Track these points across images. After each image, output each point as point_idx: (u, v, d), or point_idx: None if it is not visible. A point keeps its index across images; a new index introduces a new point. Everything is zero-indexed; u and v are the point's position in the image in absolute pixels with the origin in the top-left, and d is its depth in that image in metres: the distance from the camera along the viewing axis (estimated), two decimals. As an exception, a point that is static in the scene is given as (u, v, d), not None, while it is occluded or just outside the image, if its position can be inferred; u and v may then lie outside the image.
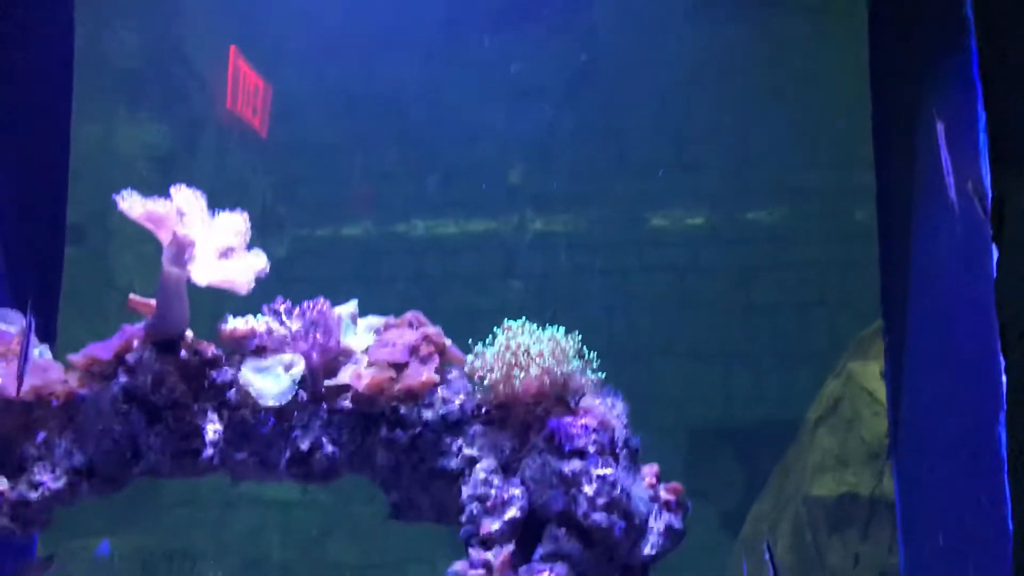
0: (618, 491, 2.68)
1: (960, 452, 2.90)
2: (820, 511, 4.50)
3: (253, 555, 9.10)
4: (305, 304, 2.79)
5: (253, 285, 2.75)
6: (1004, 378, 2.21)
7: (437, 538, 9.12)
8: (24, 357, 2.59)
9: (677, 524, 2.77)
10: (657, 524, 2.76)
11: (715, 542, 7.31)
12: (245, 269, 2.72)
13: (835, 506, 4.52)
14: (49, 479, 2.70)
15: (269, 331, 2.84)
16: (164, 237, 2.72)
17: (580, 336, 2.87)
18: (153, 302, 2.81)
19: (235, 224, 2.76)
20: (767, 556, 2.71)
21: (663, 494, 2.80)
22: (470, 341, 2.89)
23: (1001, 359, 2.21)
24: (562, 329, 2.85)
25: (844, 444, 4.63)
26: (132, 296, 2.85)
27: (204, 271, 2.69)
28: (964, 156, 2.35)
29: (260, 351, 2.81)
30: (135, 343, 2.78)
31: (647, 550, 2.73)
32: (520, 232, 9.52)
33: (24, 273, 3.34)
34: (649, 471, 2.83)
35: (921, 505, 3.25)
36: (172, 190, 2.71)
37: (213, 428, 2.77)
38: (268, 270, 2.78)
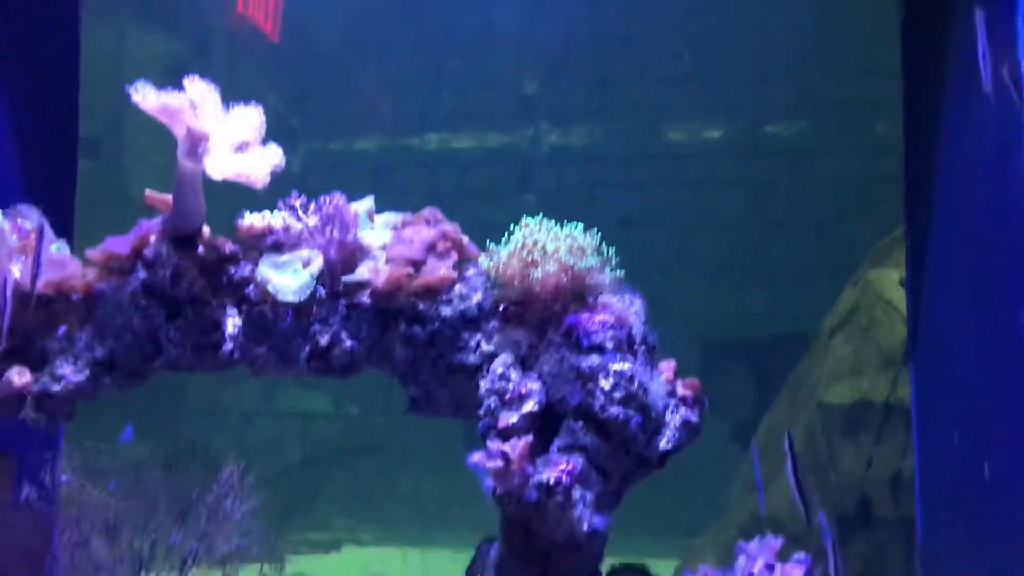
0: (635, 386, 2.69)
1: (980, 352, 2.90)
2: (834, 418, 4.54)
3: (276, 463, 9.29)
4: (321, 199, 2.77)
5: (269, 180, 2.73)
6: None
7: (457, 447, 9.29)
8: (38, 251, 2.59)
9: (694, 419, 2.78)
10: (674, 419, 2.77)
11: (725, 454, 7.39)
12: (261, 163, 2.69)
13: (849, 412, 4.55)
14: (71, 372, 2.73)
15: (286, 227, 2.82)
16: (178, 131, 2.68)
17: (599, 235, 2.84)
18: (169, 197, 2.79)
19: (250, 118, 2.72)
20: (787, 445, 2.72)
21: (680, 390, 2.81)
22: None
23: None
24: (580, 227, 2.83)
25: (859, 352, 4.64)
26: (148, 191, 2.83)
27: (219, 164, 2.66)
28: (1002, 43, 2.28)
29: (277, 247, 2.80)
30: (152, 238, 2.78)
31: (663, 444, 2.76)
32: (535, 145, 9.42)
33: (38, 186, 3.33)
34: (667, 367, 2.84)
35: (937, 406, 3.27)
36: (185, 82, 2.66)
37: (232, 323, 2.78)
38: (283, 165, 2.74)
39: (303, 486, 9.34)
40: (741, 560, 2.69)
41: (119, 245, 2.80)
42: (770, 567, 2.64)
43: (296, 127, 9.73)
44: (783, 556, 2.74)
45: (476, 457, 2.66)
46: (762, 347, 8.97)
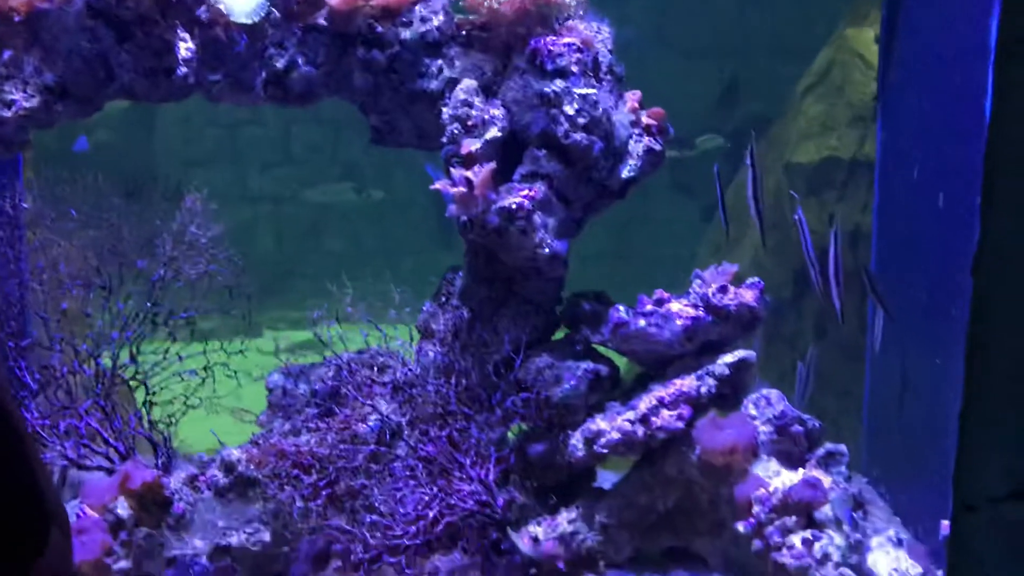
0: (599, 111, 2.66)
1: (942, 98, 2.90)
2: (800, 176, 4.58)
3: (246, 249, 9.37)
4: (272, -89, 2.61)
5: None
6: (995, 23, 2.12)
7: (428, 232, 9.37)
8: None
9: (657, 147, 2.78)
10: (636, 148, 2.77)
11: (696, 233, 7.48)
12: None
13: (815, 171, 4.58)
14: (21, 97, 2.65)
15: (236, -55, 2.67)
16: None
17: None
18: (108, -91, 2.62)
19: None
20: (748, 160, 2.74)
21: (645, 119, 2.79)
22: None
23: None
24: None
25: (831, 110, 4.61)
26: (85, -97, 2.64)
27: None
28: None
29: (227, -36, 2.66)
30: (94, -45, 2.63)
31: (626, 172, 2.77)
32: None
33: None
34: (632, 96, 2.80)
35: (899, 147, 3.29)
36: None
37: (185, 46, 2.68)
38: None
39: (278, 267, 9.46)
40: (696, 284, 2.77)
41: (59, -37, 2.65)
42: (723, 289, 2.72)
43: None
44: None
45: (440, 183, 2.67)
46: (738, 127, 8.88)
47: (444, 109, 2.69)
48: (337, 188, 9.50)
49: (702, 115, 8.73)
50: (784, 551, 2.41)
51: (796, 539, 2.41)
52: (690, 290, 2.78)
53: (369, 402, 2.69)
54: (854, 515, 2.45)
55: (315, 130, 9.66)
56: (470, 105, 2.67)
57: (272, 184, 9.91)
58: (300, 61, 2.70)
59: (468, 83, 2.68)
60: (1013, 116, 2.19)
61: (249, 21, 2.64)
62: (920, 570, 2.58)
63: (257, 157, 9.75)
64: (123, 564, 2.44)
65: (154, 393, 2.73)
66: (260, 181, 9.93)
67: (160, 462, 2.70)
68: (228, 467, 2.60)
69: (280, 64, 2.68)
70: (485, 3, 2.64)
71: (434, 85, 2.72)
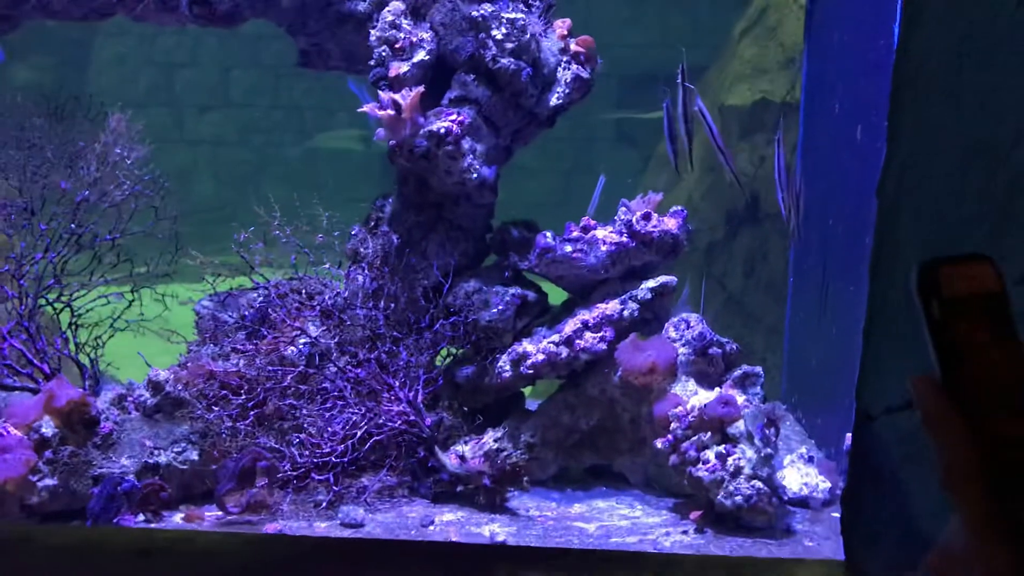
0: (527, 36, 2.68)
1: (863, 40, 2.97)
2: (733, 119, 4.65)
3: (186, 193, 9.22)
4: None
5: None
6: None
7: (370, 178, 9.31)
8: None
9: (585, 75, 2.81)
10: (565, 75, 2.80)
11: (637, 185, 7.55)
12: None
13: (748, 113, 4.65)
14: (-64, 11, 2.59)
15: None
16: None
17: None
18: None
19: None
20: (679, 79, 2.78)
21: (573, 47, 2.82)
22: None
23: None
24: None
25: (764, 52, 4.67)
26: None
27: None
28: None
29: None
30: None
31: (554, 100, 2.80)
32: None
33: None
34: (561, 24, 2.82)
35: (824, 87, 3.37)
36: None
37: (106, -39, 2.63)
38: None
39: (216, 212, 9.33)
40: (622, 211, 2.83)
41: None
42: (647, 216, 2.78)
43: None
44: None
45: (367, 106, 2.67)
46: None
47: (372, 31, 2.68)
48: (346, 135, 9.37)
49: (642, 61, 8.75)
50: (699, 465, 2.51)
51: (711, 454, 2.50)
52: (616, 218, 2.84)
53: (298, 325, 2.71)
54: (766, 432, 2.55)
55: (254, 73, 9.50)
56: (398, 27, 2.67)
57: (210, 128, 9.75)
58: (226, -20, 2.67)
59: (396, 5, 2.68)
60: (917, 43, 2.26)
61: (173, -63, 2.60)
62: (829, 484, 2.71)
63: (195, 100, 9.57)
64: (48, 482, 2.44)
65: (80, 316, 2.72)
66: (198, 124, 9.76)
67: (87, 384, 2.70)
68: (156, 387, 2.61)
69: (205, -18, 2.65)
70: (414, -75, 2.63)
71: (362, 7, 2.71)
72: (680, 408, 2.56)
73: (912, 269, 0.67)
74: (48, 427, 2.47)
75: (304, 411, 2.63)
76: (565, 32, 2.81)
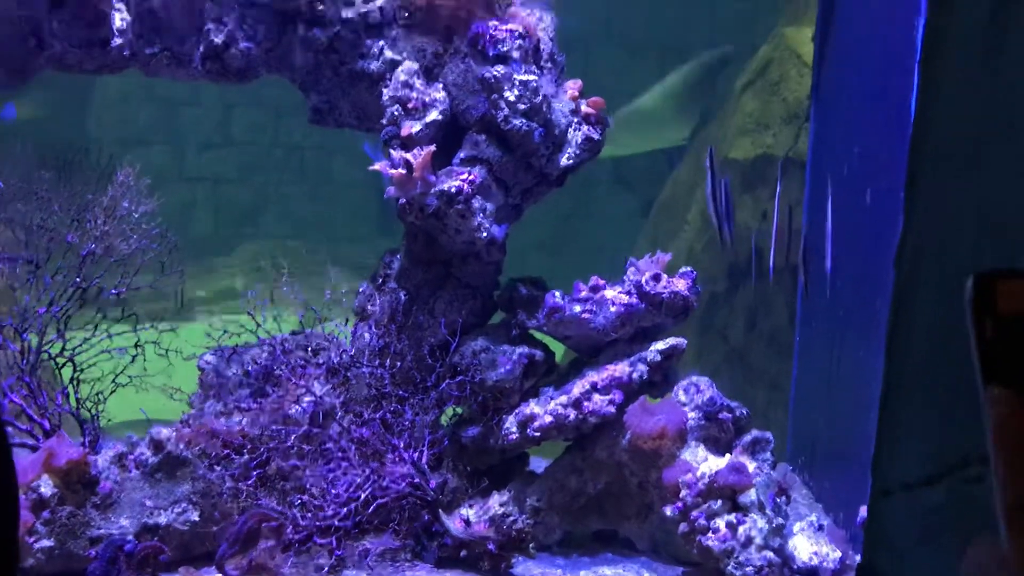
0: (539, 98, 2.68)
1: (870, 101, 2.99)
2: (736, 172, 4.66)
3: (183, 230, 9.20)
4: None
5: None
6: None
7: (369, 219, 9.31)
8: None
9: (596, 136, 2.81)
10: (576, 136, 2.80)
11: (636, 227, 7.56)
12: None
13: (750, 167, 4.67)
14: (-52, 63, 2.58)
15: (175, -83, 2.63)
16: None
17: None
18: None
19: None
20: (708, 164, 2.81)
21: (584, 108, 2.82)
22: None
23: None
24: (491, -68, 2.71)
25: (767, 107, 4.70)
26: None
27: None
28: None
29: (166, -65, 2.62)
30: (27, -81, 2.56)
31: (564, 160, 2.79)
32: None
33: None
34: (573, 85, 2.83)
35: (831, 146, 3.38)
36: None
37: (120, 17, 2.63)
38: None
39: (215, 248, 9.31)
40: (630, 271, 2.81)
41: (-10, -74, 2.57)
42: (657, 277, 2.77)
43: None
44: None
45: (379, 165, 2.66)
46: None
47: (385, 90, 2.68)
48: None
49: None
50: (709, 534, 2.47)
51: (721, 522, 2.47)
52: (624, 278, 2.82)
53: (303, 383, 2.68)
54: (777, 500, 2.52)
55: (256, 112, 9.53)
56: (411, 87, 2.67)
57: (211, 165, 9.76)
58: (239, 37, 2.67)
59: (409, 65, 2.68)
60: (935, 116, 2.28)
61: (187, -6, 2.60)
62: (839, 554, 2.67)
63: (196, 138, 9.59)
64: (45, 543, 2.39)
65: (82, 371, 2.68)
66: (199, 162, 9.77)
67: (87, 440, 2.65)
68: (157, 445, 2.56)
69: (219, 39, 2.65)
70: (428, -14, 2.64)
71: (375, 66, 2.71)
72: (690, 475, 2.53)
73: (966, 281, 0.63)
74: (47, 486, 2.43)
75: (307, 472, 2.58)
76: (576, 93, 2.82)
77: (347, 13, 2.66)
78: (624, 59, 9.33)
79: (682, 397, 2.70)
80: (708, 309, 4.81)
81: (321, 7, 2.64)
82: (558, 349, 2.97)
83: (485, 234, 2.69)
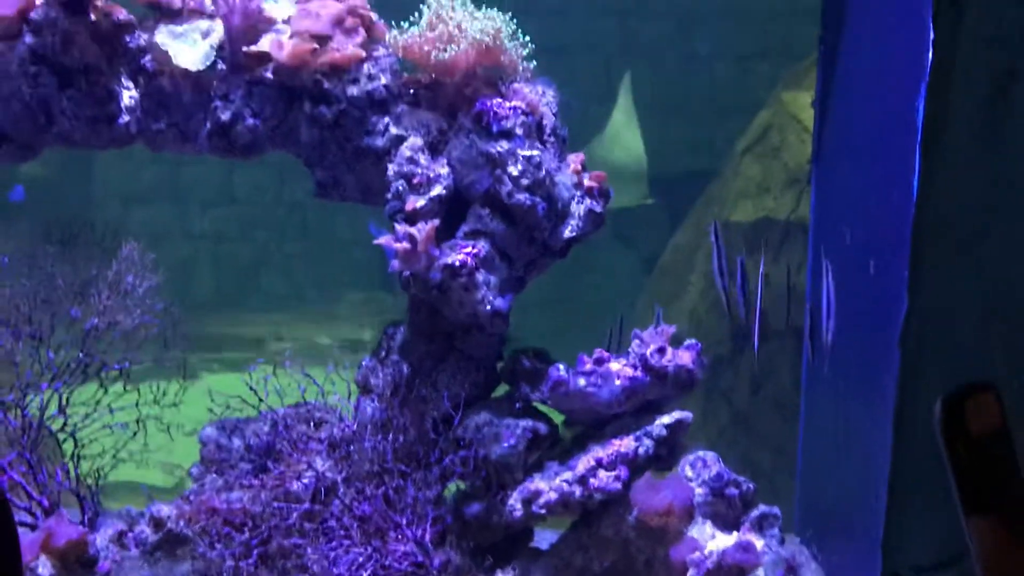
0: (543, 173, 2.70)
1: (872, 163, 3.01)
2: (737, 235, 4.69)
3: (185, 288, 9.22)
4: (222, -35, 2.62)
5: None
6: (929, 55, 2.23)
7: (370, 271, 9.32)
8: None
9: (598, 209, 2.82)
10: (579, 209, 2.81)
11: (636, 283, 7.57)
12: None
13: (751, 230, 4.69)
14: (-44, 140, 2.60)
15: (185, -4, 2.67)
16: None
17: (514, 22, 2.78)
18: (55, -44, 2.60)
19: None
20: (712, 238, 2.82)
21: (587, 181, 2.84)
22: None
23: (930, 31, 2.21)
24: (496, 10, 2.76)
25: (767, 171, 4.74)
26: (31, -51, 2.63)
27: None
28: None
29: (175, 14, 2.66)
30: (38, 1, 2.60)
31: (567, 232, 2.80)
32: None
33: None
34: (575, 159, 2.85)
35: (833, 212, 3.39)
36: None
37: (129, 95, 2.66)
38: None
39: (217, 307, 9.31)
40: (635, 344, 2.80)
41: (3, 7, 2.62)
42: (662, 350, 2.76)
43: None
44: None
45: (383, 239, 2.67)
46: (678, 181, 9.04)
47: (390, 166, 2.70)
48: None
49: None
50: (718, 614, 2.43)
51: (729, 602, 2.43)
52: (629, 350, 2.82)
53: (304, 459, 2.65)
54: (786, 578, 2.48)
55: (259, 171, 9.60)
56: (415, 163, 2.69)
57: (213, 223, 9.81)
58: (246, 114, 2.69)
59: (414, 141, 2.71)
60: (937, 197, 2.28)
61: (195, 69, 2.63)
62: (850, 632, 2.62)
63: (199, 196, 9.65)
64: (42, 626, 2.35)
65: (83, 446, 2.66)
66: (201, 220, 9.82)
67: (86, 518, 2.62)
68: (157, 523, 2.53)
69: (225, 116, 2.67)
70: (432, 57, 2.67)
71: (380, 142, 2.73)
72: (698, 553, 2.49)
73: (935, 406, 0.62)
74: (44, 567, 2.39)
75: (309, 550, 2.55)
76: (579, 167, 2.84)
77: (353, 90, 2.68)
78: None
79: (689, 472, 2.67)
80: (713, 372, 4.79)
81: (327, 84, 2.67)
82: (558, 417, 2.95)
83: (489, 307, 2.68)
